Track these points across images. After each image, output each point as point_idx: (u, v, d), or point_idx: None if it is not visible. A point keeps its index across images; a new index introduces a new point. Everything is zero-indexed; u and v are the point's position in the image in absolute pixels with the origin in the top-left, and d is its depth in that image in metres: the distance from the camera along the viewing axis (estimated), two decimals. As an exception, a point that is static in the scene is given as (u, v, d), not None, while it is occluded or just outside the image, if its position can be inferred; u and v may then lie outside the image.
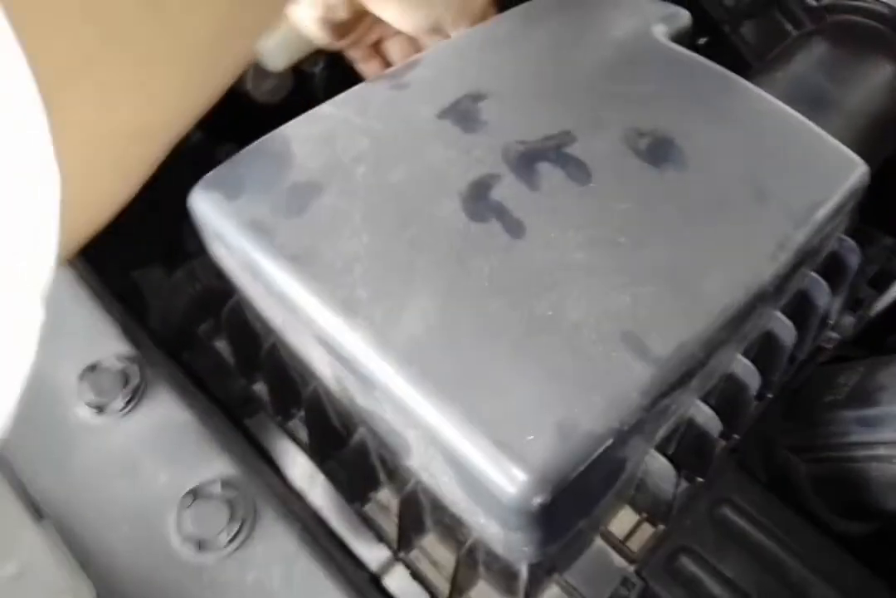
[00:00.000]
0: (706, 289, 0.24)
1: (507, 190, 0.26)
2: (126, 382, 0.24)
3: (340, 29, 0.31)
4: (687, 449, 0.28)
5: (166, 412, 0.24)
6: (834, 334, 0.37)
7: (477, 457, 0.20)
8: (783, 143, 0.29)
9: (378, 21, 0.33)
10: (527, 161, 0.27)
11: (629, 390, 0.21)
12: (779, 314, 0.29)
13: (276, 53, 0.42)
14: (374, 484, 0.29)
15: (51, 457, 0.24)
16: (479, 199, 0.26)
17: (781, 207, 0.27)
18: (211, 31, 0.18)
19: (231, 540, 0.21)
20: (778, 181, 0.27)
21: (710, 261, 0.25)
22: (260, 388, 0.32)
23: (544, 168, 0.27)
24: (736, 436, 0.31)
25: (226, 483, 0.22)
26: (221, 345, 0.33)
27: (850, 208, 0.29)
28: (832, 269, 0.32)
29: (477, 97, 0.29)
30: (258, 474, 0.23)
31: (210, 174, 0.27)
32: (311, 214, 0.25)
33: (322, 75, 0.46)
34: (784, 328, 0.29)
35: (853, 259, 0.32)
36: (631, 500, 0.29)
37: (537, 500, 0.20)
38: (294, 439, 0.31)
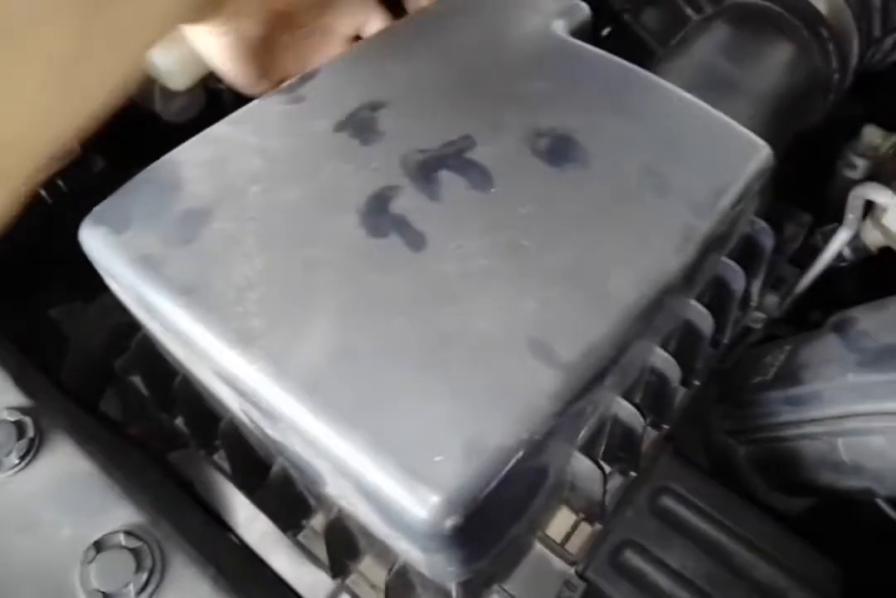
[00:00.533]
0: (612, 287, 0.24)
1: (408, 202, 0.25)
2: (20, 435, 0.23)
3: (259, 59, 0.29)
4: (616, 446, 0.28)
5: (66, 463, 0.23)
6: (760, 314, 0.38)
7: (386, 483, 0.20)
8: (684, 132, 0.29)
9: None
10: (427, 170, 0.26)
11: (538, 399, 0.21)
12: (694, 303, 0.29)
13: (175, 72, 0.41)
14: (304, 512, 0.29)
15: (-56, 522, 0.22)
16: (378, 213, 0.25)
17: (684, 198, 0.27)
18: (67, 48, 0.17)
19: (140, 592, 0.20)
20: (679, 171, 0.27)
21: (615, 258, 0.24)
22: (182, 421, 0.31)
23: (445, 176, 0.26)
24: (665, 426, 0.31)
25: (131, 533, 0.21)
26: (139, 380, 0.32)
27: (757, 191, 0.30)
28: (746, 252, 0.32)
29: (374, 107, 0.28)
30: (168, 519, 0.22)
31: (98, 208, 0.26)
32: (201, 242, 0.24)
33: (231, 91, 0.45)
34: (700, 316, 0.29)
35: (767, 241, 0.33)
36: (567, 501, 0.29)
37: (450, 522, 0.19)
38: (222, 471, 0.30)
